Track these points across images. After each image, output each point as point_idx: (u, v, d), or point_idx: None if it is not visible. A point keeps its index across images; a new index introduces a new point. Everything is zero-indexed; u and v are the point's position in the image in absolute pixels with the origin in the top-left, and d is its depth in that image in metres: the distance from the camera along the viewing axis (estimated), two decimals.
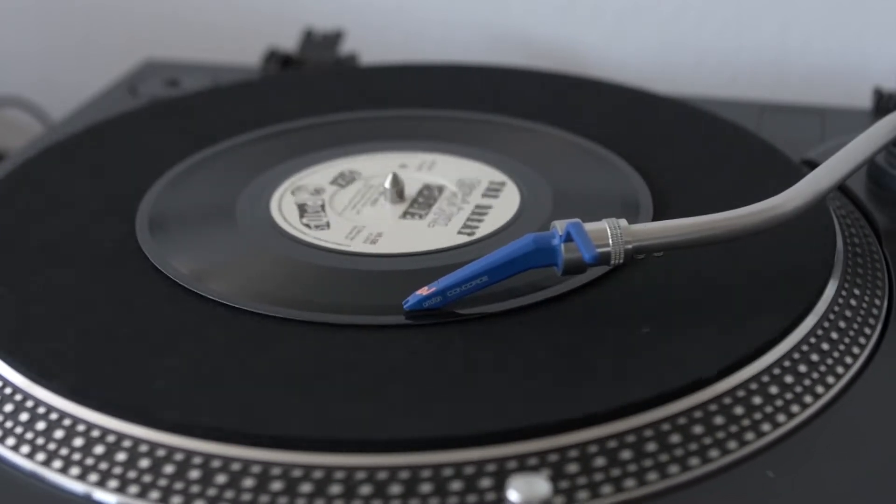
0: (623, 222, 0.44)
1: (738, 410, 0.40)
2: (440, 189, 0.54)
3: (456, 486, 0.37)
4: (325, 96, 0.64)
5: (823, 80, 0.75)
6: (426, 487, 0.37)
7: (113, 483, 0.38)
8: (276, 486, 0.37)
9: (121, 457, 0.39)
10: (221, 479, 0.38)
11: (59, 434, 0.40)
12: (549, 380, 0.40)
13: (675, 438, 0.39)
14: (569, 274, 0.44)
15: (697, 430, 0.39)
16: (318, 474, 0.37)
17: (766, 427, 0.40)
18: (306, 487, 0.37)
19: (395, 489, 0.37)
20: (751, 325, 0.43)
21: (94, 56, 0.87)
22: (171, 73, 0.72)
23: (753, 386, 0.41)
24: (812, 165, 0.53)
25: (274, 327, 0.44)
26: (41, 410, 0.41)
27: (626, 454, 0.38)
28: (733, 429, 0.39)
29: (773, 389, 0.41)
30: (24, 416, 0.41)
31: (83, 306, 0.45)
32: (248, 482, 0.37)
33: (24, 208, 0.53)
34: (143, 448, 0.39)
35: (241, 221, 0.51)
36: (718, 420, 0.39)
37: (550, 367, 0.41)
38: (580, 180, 0.54)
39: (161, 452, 0.38)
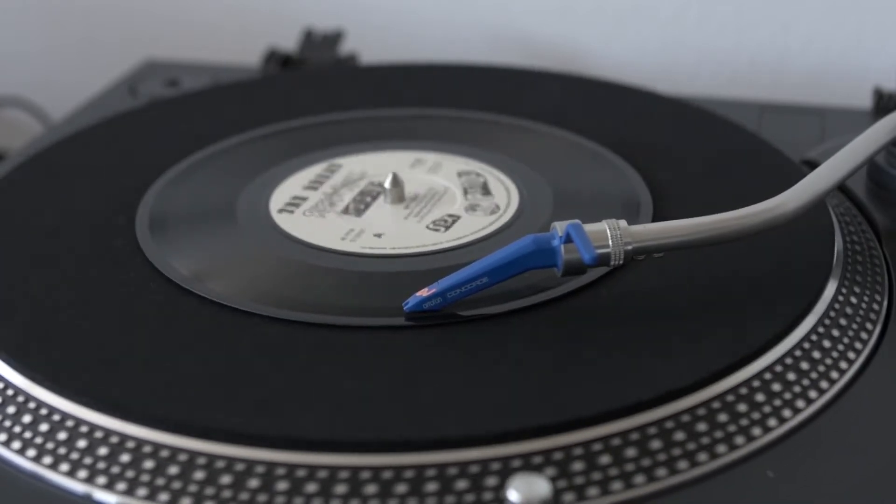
0: (623, 223, 0.44)
1: (738, 410, 0.40)
2: (440, 190, 0.54)
3: (456, 485, 0.37)
4: (325, 96, 0.64)
5: (823, 80, 0.75)
6: (427, 487, 0.37)
7: (113, 483, 0.38)
8: (282, 486, 0.37)
9: (120, 457, 0.39)
10: (222, 479, 0.38)
11: (59, 434, 0.40)
12: (549, 381, 0.40)
13: (675, 438, 0.39)
14: (569, 275, 0.44)
15: (697, 429, 0.39)
16: (322, 474, 0.37)
17: (766, 427, 0.40)
18: (310, 487, 0.37)
19: (401, 489, 0.37)
20: (750, 324, 0.43)
21: (94, 56, 0.87)
22: (171, 73, 0.72)
23: (753, 385, 0.41)
24: (812, 165, 0.53)
25: (274, 328, 0.44)
26: (41, 411, 0.41)
27: (625, 454, 0.38)
28: (733, 428, 0.39)
29: (773, 389, 0.41)
30: (24, 417, 0.41)
31: (83, 307, 0.45)
32: (250, 483, 0.37)
33: (24, 208, 0.53)
34: (143, 448, 0.39)
35: (241, 221, 0.51)
36: (718, 420, 0.39)
37: (550, 368, 0.41)
38: (580, 180, 0.54)
39: (161, 453, 0.38)
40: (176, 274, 0.47)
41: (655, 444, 0.38)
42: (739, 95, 0.71)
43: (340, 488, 0.37)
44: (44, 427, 0.40)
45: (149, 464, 0.38)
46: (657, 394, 0.39)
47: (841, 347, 0.43)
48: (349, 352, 0.42)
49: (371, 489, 0.37)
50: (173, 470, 0.38)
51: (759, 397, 0.41)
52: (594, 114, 0.61)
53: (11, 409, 0.41)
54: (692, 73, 0.77)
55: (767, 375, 0.41)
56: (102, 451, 0.39)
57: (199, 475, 0.38)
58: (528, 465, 0.37)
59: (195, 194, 0.54)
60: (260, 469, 0.38)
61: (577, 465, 0.37)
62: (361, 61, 0.74)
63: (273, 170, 0.56)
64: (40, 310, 0.45)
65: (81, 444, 0.39)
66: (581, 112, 0.61)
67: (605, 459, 0.38)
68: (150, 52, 0.80)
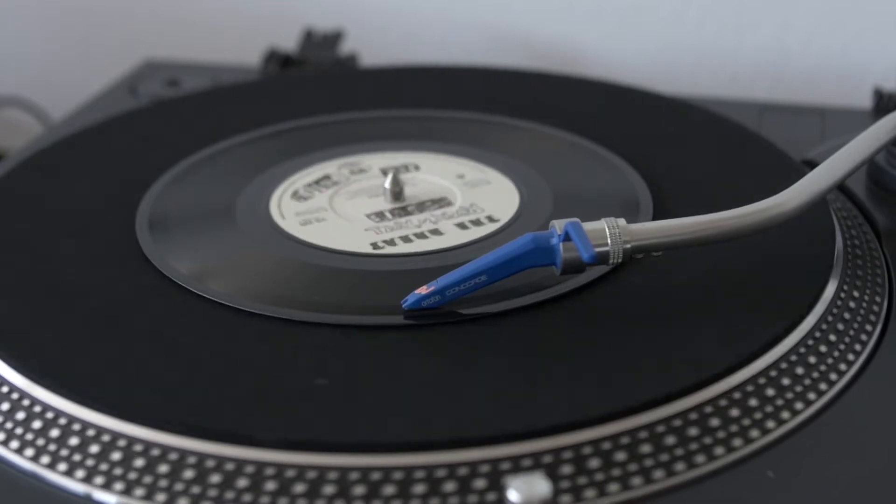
0: (622, 222, 0.43)
1: (738, 411, 0.40)
2: (439, 191, 0.53)
3: (456, 486, 0.37)
4: (325, 96, 0.64)
5: (823, 80, 0.75)
6: (423, 488, 0.37)
7: (113, 483, 0.38)
8: (271, 485, 0.37)
9: (120, 457, 0.39)
10: (221, 479, 0.38)
11: (58, 434, 0.40)
12: (548, 380, 0.40)
13: (674, 439, 0.39)
14: (567, 273, 0.44)
15: (697, 430, 0.39)
16: (312, 475, 0.37)
17: (766, 427, 0.40)
18: (301, 488, 0.37)
19: (417, 489, 0.37)
20: (751, 325, 0.43)
21: (94, 56, 0.87)
22: (171, 73, 0.72)
23: (753, 386, 0.41)
24: (812, 165, 0.53)
25: (274, 327, 0.44)
26: (40, 410, 0.41)
27: (624, 455, 0.38)
28: (733, 429, 0.39)
29: (773, 389, 0.41)
30: (23, 417, 0.41)
31: (83, 307, 0.45)
32: (244, 482, 0.37)
33: (24, 208, 0.53)
34: (142, 448, 0.39)
35: (241, 221, 0.51)
36: (718, 420, 0.39)
37: (549, 367, 0.41)
38: (580, 180, 0.54)
39: (160, 453, 0.38)
40: (176, 274, 0.47)
41: (654, 446, 0.38)
42: (739, 95, 0.71)
43: (358, 489, 0.37)
44: (43, 427, 0.40)
45: (148, 464, 0.38)
46: (656, 395, 0.39)
47: (841, 348, 0.43)
48: (348, 351, 0.42)
49: (386, 490, 0.37)
50: (173, 470, 0.38)
51: (760, 397, 0.40)
52: (594, 114, 0.61)
53: (11, 409, 0.41)
54: (692, 73, 0.77)
55: (766, 378, 0.41)
56: (102, 451, 0.39)
57: (199, 475, 0.38)
58: (519, 466, 0.37)
59: (195, 194, 0.54)
60: (250, 469, 0.38)
61: (581, 466, 0.37)
62: (361, 61, 0.74)
63: (273, 170, 0.56)
64: (40, 309, 0.45)
65: (81, 444, 0.39)
66: (581, 112, 0.61)
67: (603, 461, 0.38)
68: (150, 52, 0.80)
